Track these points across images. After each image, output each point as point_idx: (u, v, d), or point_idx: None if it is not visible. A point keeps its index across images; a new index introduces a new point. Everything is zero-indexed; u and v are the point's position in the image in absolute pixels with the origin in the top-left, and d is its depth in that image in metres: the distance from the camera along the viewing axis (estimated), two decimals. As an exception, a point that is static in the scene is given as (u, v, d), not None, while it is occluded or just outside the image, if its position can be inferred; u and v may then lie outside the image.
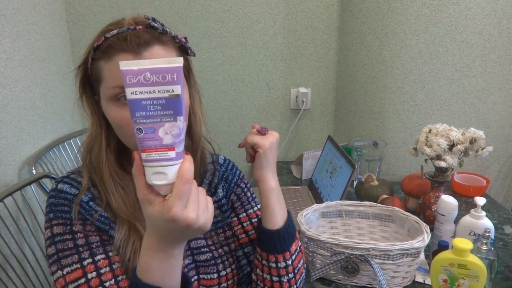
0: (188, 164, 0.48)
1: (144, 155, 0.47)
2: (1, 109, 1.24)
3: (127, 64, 0.45)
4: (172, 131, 0.46)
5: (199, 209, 0.49)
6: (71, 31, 1.73)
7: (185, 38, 0.67)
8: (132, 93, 0.45)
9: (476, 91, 1.56)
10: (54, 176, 1.28)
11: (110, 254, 0.65)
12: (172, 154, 0.47)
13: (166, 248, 0.52)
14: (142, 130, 0.46)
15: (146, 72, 0.45)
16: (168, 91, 0.45)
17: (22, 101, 1.35)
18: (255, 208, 0.84)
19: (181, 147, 0.48)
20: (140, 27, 0.62)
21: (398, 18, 1.51)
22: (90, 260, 0.63)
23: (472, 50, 1.50)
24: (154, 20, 0.63)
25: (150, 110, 0.46)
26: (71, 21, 1.72)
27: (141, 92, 0.45)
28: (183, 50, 0.67)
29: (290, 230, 0.75)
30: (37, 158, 1.37)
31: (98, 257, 0.64)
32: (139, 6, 1.71)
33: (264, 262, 0.74)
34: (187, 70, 0.69)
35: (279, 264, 0.73)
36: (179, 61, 0.45)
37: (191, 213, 0.48)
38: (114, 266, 0.64)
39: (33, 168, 1.30)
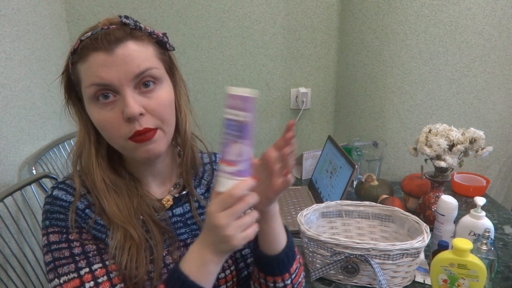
0: (243, 184, 0.54)
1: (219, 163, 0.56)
2: (1, 109, 1.24)
3: (231, 90, 0.53)
4: (235, 150, 0.54)
5: (233, 222, 0.53)
6: (71, 31, 1.73)
7: (164, 33, 0.66)
8: (225, 113, 0.54)
9: (476, 91, 1.56)
10: (54, 176, 1.28)
11: (107, 263, 0.64)
12: (229, 169, 0.54)
13: (205, 250, 0.56)
14: (222, 143, 0.55)
15: (237, 97, 0.53)
16: (243, 116, 0.53)
17: (22, 101, 1.35)
18: None
19: (242, 166, 0.54)
20: (114, 26, 0.62)
21: (398, 18, 1.51)
22: (87, 269, 0.63)
23: (472, 50, 1.50)
24: (126, 17, 0.63)
25: (229, 129, 0.54)
26: (71, 21, 1.72)
27: (229, 113, 0.54)
28: (162, 45, 0.67)
29: (290, 252, 0.71)
30: (37, 158, 1.37)
31: (95, 266, 0.63)
32: (139, 6, 1.71)
33: (262, 280, 0.73)
34: (170, 67, 0.69)
35: (277, 285, 0.71)
36: (254, 93, 0.53)
37: (223, 219, 0.53)
38: (112, 275, 0.63)
39: (33, 168, 1.30)
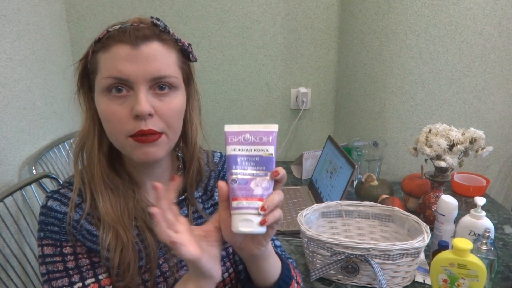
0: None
1: (234, 203, 0.53)
2: (1, 109, 1.24)
3: (231, 127, 0.55)
4: (262, 184, 0.53)
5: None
6: (71, 31, 1.73)
7: (189, 44, 0.66)
8: (231, 149, 0.54)
9: (476, 91, 1.56)
10: (54, 176, 1.28)
11: (100, 277, 0.65)
12: (260, 203, 0.53)
13: (186, 281, 0.59)
14: (236, 181, 0.53)
15: (246, 133, 0.54)
16: (263, 150, 0.54)
17: (22, 101, 1.35)
18: None
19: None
20: (144, 25, 0.62)
21: (398, 18, 1.51)
22: (80, 284, 0.63)
23: (472, 50, 1.50)
24: (158, 19, 0.63)
25: (245, 165, 0.54)
26: (71, 21, 1.72)
27: (239, 150, 0.54)
28: (185, 54, 0.67)
29: (284, 284, 0.67)
30: (37, 158, 1.37)
31: (88, 281, 0.64)
32: (139, 6, 1.71)
33: None
34: (188, 77, 0.69)
35: None
36: (275, 127, 0.55)
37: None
38: None
39: (33, 168, 1.30)
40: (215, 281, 0.57)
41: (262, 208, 0.53)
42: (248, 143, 0.54)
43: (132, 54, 0.59)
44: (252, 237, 0.58)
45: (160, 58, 0.61)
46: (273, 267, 0.66)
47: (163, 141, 0.64)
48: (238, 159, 0.54)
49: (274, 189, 0.55)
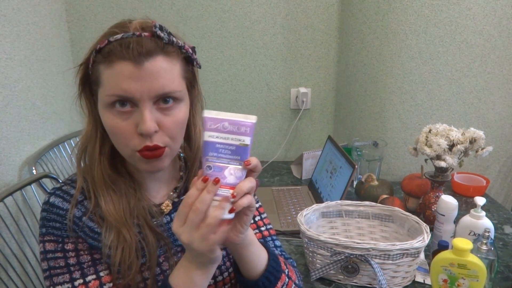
0: (195, 192, 0.54)
1: None
2: (1, 109, 1.24)
3: (210, 113, 0.55)
4: (236, 173, 0.55)
5: (194, 234, 0.54)
6: (71, 31, 1.73)
7: (193, 48, 0.65)
8: (209, 136, 0.55)
9: (476, 91, 1.56)
10: (54, 176, 1.28)
11: (101, 274, 0.65)
12: (231, 192, 0.54)
13: (190, 264, 0.59)
14: (211, 167, 0.55)
15: (225, 122, 0.55)
16: (239, 140, 0.54)
17: (22, 101, 1.35)
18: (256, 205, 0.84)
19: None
20: (146, 34, 0.60)
21: (398, 18, 1.51)
22: (81, 280, 0.64)
23: (472, 50, 1.50)
24: (161, 28, 0.61)
25: (221, 152, 0.54)
26: (71, 21, 1.72)
27: (217, 137, 0.54)
28: (189, 61, 0.66)
29: (271, 276, 0.68)
30: (37, 158, 1.37)
31: (89, 277, 0.64)
32: (139, 6, 1.71)
33: None
34: (191, 82, 0.68)
35: None
36: (253, 118, 0.55)
37: (183, 234, 0.55)
38: (105, 287, 0.64)
39: (33, 168, 1.30)
40: (219, 262, 0.61)
41: (232, 196, 0.54)
42: (226, 131, 0.55)
43: (136, 73, 0.58)
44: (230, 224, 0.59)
45: (164, 75, 0.60)
46: (256, 256, 0.67)
47: (167, 154, 0.64)
48: (215, 146, 0.54)
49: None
